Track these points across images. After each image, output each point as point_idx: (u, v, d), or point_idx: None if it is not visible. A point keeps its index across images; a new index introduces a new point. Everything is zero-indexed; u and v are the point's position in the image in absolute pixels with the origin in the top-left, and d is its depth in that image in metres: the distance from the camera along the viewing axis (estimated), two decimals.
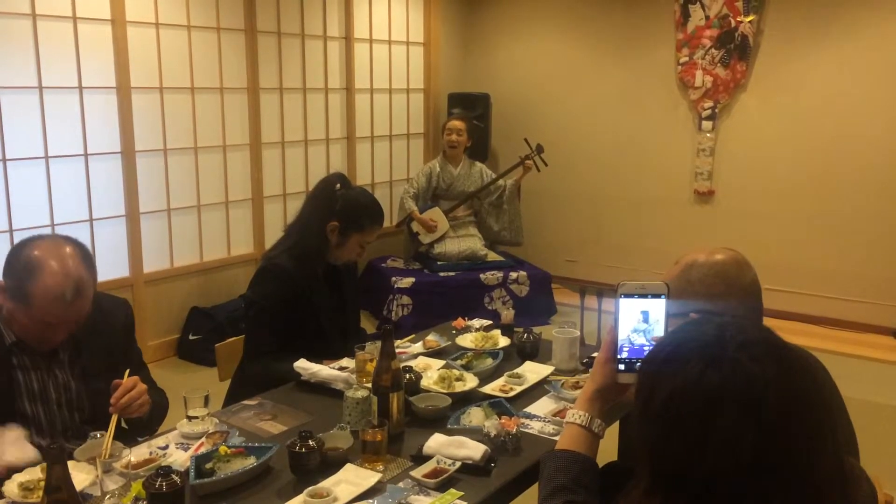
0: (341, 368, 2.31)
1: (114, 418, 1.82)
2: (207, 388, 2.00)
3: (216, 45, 4.80)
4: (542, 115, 6.29)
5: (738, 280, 1.69)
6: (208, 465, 1.70)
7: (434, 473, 1.72)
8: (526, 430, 1.96)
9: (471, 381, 2.22)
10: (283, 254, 2.53)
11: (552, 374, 2.35)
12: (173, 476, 1.53)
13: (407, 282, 5.21)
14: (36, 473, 1.65)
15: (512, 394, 2.19)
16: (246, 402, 2.19)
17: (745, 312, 1.63)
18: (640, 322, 1.41)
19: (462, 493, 1.66)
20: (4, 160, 3.90)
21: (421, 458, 1.80)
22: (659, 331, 1.40)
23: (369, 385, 2.00)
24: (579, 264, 6.29)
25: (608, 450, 1.93)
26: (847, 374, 3.40)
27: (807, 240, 5.32)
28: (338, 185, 2.61)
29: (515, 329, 2.66)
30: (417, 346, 2.59)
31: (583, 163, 6.17)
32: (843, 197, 5.15)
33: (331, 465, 1.75)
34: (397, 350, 2.24)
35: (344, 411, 1.99)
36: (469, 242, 5.48)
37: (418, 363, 2.39)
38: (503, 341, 2.60)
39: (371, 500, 1.63)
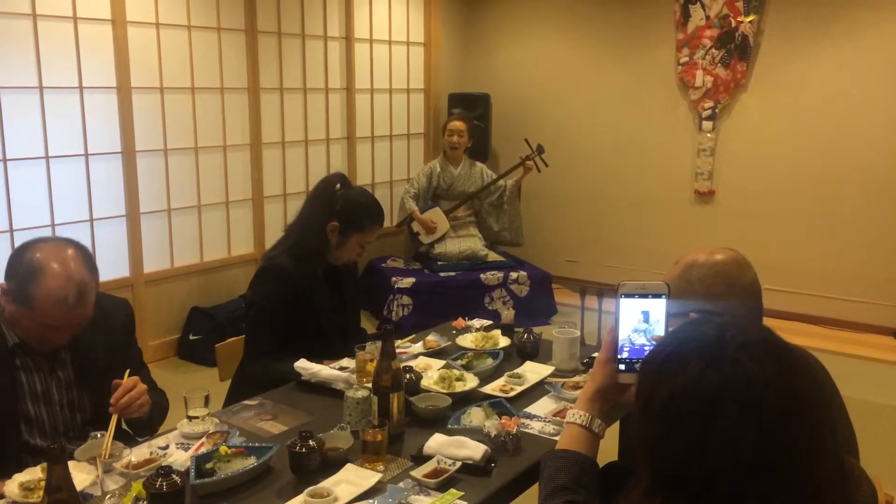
0: (342, 368, 2.31)
1: (113, 418, 1.82)
2: (208, 388, 2.00)
3: (216, 45, 4.80)
4: (542, 115, 6.29)
5: (738, 280, 1.69)
6: (209, 465, 1.71)
7: (434, 473, 1.72)
8: (526, 431, 1.96)
9: (471, 381, 2.22)
10: (284, 254, 2.53)
11: (552, 374, 2.35)
12: (174, 476, 1.53)
13: (407, 282, 5.22)
14: (37, 473, 1.65)
15: (512, 394, 2.19)
16: (246, 402, 2.19)
17: (745, 312, 1.63)
18: (641, 322, 1.41)
19: (462, 494, 1.66)
20: (5, 160, 3.90)
21: (421, 458, 1.80)
22: (659, 331, 1.40)
23: (370, 385, 2.00)
24: (580, 264, 6.29)
25: (608, 450, 1.93)
26: (847, 374, 3.40)
27: (807, 240, 5.32)
28: (338, 185, 2.60)
29: (516, 329, 2.66)
30: (418, 347, 2.59)
31: (583, 163, 6.17)
32: (843, 197, 5.15)
33: (331, 465, 1.75)
34: (397, 350, 2.24)
35: (344, 411, 1.99)
36: (469, 243, 5.48)
37: (419, 363, 2.39)
38: (503, 341, 2.60)
39: (371, 500, 1.63)
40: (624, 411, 2.07)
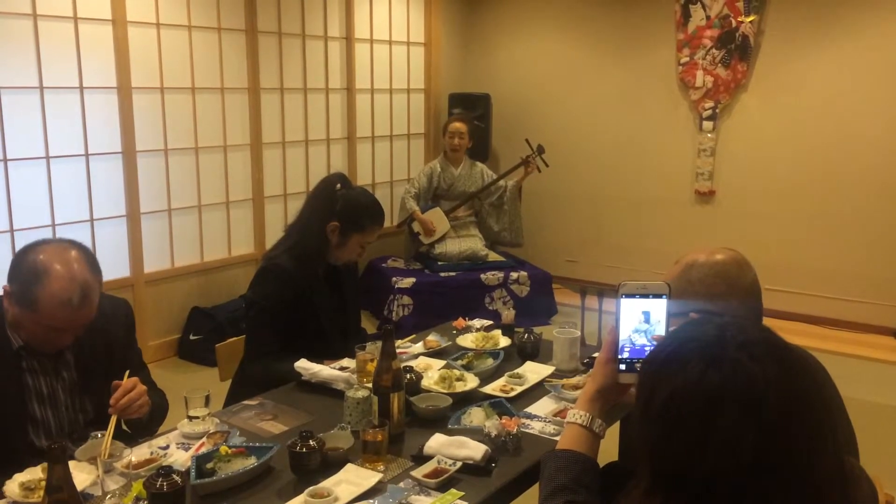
0: (342, 368, 2.31)
1: (113, 419, 1.82)
2: (208, 388, 2.01)
3: (217, 45, 4.80)
4: (542, 115, 6.29)
5: (738, 280, 1.70)
6: (209, 465, 1.71)
7: (435, 473, 1.72)
8: (526, 431, 1.96)
9: (471, 382, 2.22)
10: (284, 254, 2.53)
11: (553, 374, 2.35)
12: (174, 476, 1.53)
13: (407, 282, 5.22)
14: (37, 473, 1.65)
15: (512, 394, 2.19)
16: (247, 402, 2.19)
17: (745, 312, 1.63)
18: (642, 322, 1.41)
19: (463, 494, 1.66)
20: (5, 160, 3.90)
21: (421, 458, 1.80)
22: (660, 331, 1.40)
23: (370, 385, 2.00)
24: (580, 264, 6.29)
25: (609, 450, 1.93)
26: (847, 374, 3.40)
27: (807, 240, 5.32)
28: (338, 186, 2.60)
29: (516, 329, 2.66)
30: (418, 347, 2.59)
31: (583, 163, 6.17)
32: (843, 197, 5.15)
33: (331, 465, 1.75)
34: (398, 350, 2.25)
35: (345, 411, 1.99)
36: (470, 243, 5.48)
37: (419, 363, 2.39)
38: (504, 341, 2.60)
39: (372, 500, 1.63)
40: (624, 411, 2.07)
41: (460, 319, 2.86)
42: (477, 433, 1.90)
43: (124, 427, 1.96)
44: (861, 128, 5.04)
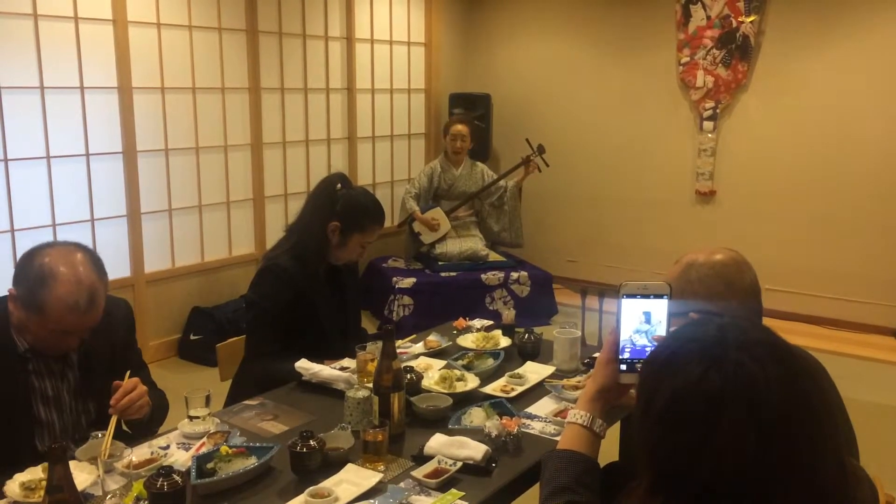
0: (342, 369, 2.31)
1: (113, 419, 1.82)
2: (209, 388, 2.01)
3: (217, 45, 4.80)
4: (543, 115, 6.29)
5: (737, 280, 1.70)
6: (209, 465, 1.71)
7: (435, 473, 1.72)
8: (527, 431, 1.96)
9: (472, 382, 2.22)
10: (284, 254, 2.53)
11: (553, 374, 2.35)
12: (174, 476, 1.53)
13: (408, 282, 5.22)
14: (37, 473, 1.65)
15: (513, 394, 2.19)
16: (247, 402, 2.19)
17: (744, 313, 1.63)
18: (643, 322, 1.41)
19: (463, 494, 1.65)
20: (6, 160, 3.90)
21: (422, 459, 1.80)
22: (661, 331, 1.40)
23: (370, 385, 2.00)
24: (580, 265, 6.29)
25: (609, 450, 1.93)
26: (848, 374, 3.40)
27: (807, 240, 5.32)
28: (338, 185, 2.60)
29: (516, 329, 2.66)
30: (418, 347, 2.59)
31: (584, 163, 6.17)
32: (844, 197, 5.15)
33: (332, 465, 1.75)
34: (398, 350, 2.25)
35: (345, 411, 1.99)
36: (470, 243, 5.48)
37: (419, 363, 2.39)
38: (504, 341, 2.60)
39: (372, 501, 1.63)
40: (625, 412, 2.07)
41: (461, 319, 2.86)
42: (477, 433, 1.90)
43: (124, 427, 1.96)
44: (861, 128, 5.04)
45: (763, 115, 5.39)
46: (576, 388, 2.18)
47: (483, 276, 5.30)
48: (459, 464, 1.75)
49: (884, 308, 5.09)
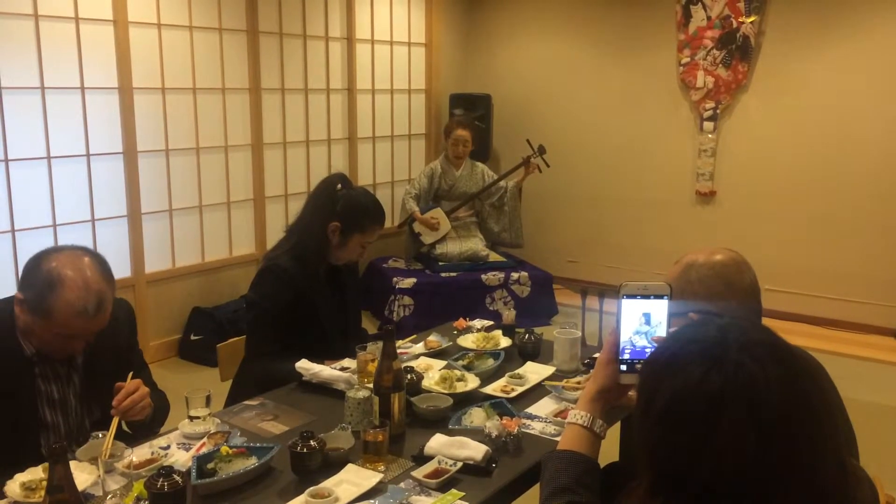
0: (343, 369, 2.32)
1: (115, 420, 1.83)
2: (209, 389, 2.01)
3: (218, 45, 4.80)
4: (543, 115, 6.29)
5: (737, 280, 1.70)
6: (210, 466, 1.71)
7: (435, 474, 1.72)
8: (527, 431, 1.96)
9: (472, 382, 2.22)
10: (285, 254, 2.53)
11: (553, 374, 2.35)
12: (175, 476, 1.54)
13: (408, 282, 5.22)
14: (38, 473, 1.65)
15: (513, 394, 2.19)
16: (247, 402, 2.19)
17: (744, 313, 1.63)
18: (643, 323, 1.41)
19: (463, 494, 1.66)
20: (7, 160, 3.91)
21: (422, 459, 1.80)
22: (661, 331, 1.40)
23: (371, 385, 2.00)
24: (581, 265, 6.29)
25: (609, 450, 1.93)
26: (848, 374, 3.40)
27: (808, 240, 5.32)
28: (339, 186, 2.61)
29: (517, 330, 2.66)
30: (419, 347, 2.59)
31: (584, 163, 6.17)
32: (844, 197, 5.15)
33: (332, 465, 1.75)
34: (399, 350, 2.25)
35: (345, 412, 1.99)
36: (470, 243, 5.48)
37: (420, 363, 2.39)
38: (504, 342, 2.60)
39: (372, 501, 1.63)
40: (625, 412, 2.07)
41: (461, 320, 2.86)
42: (477, 433, 1.90)
43: (125, 427, 1.96)
44: (862, 129, 5.04)
45: (763, 115, 5.39)
46: (576, 388, 2.18)
47: (483, 277, 5.30)
48: (460, 464, 1.75)
49: (884, 308, 5.09)
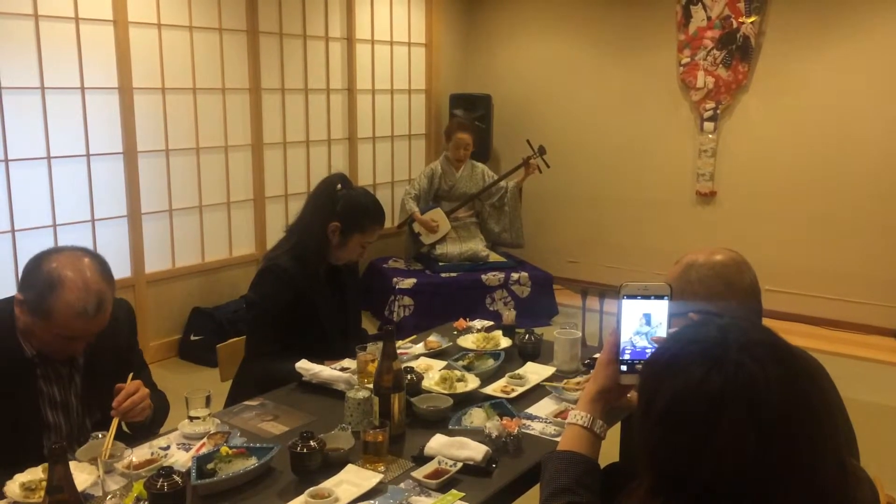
0: (343, 369, 2.32)
1: (115, 420, 1.83)
2: (209, 389, 2.01)
3: (218, 45, 4.80)
4: (543, 116, 6.29)
5: (737, 281, 1.70)
6: (210, 466, 1.71)
7: (435, 474, 1.72)
8: (527, 431, 1.96)
9: (472, 382, 2.22)
10: (285, 254, 2.53)
11: (553, 375, 2.35)
12: (175, 476, 1.54)
13: (408, 282, 5.21)
14: (38, 473, 1.65)
15: (513, 395, 2.19)
16: (247, 402, 2.19)
17: (744, 313, 1.63)
18: (643, 324, 1.41)
19: (463, 494, 1.65)
20: (6, 160, 3.91)
21: (422, 459, 1.80)
22: (662, 332, 1.40)
23: (371, 386, 2.00)
24: (581, 265, 6.29)
25: (610, 451, 1.93)
26: (848, 375, 3.40)
27: (808, 241, 5.32)
28: (339, 186, 2.61)
29: (517, 330, 2.66)
30: (419, 347, 2.59)
31: (584, 164, 6.17)
32: (844, 198, 5.15)
33: (332, 465, 1.75)
34: (399, 351, 2.25)
35: (345, 412, 1.99)
36: (471, 244, 5.48)
37: (420, 364, 2.39)
38: (504, 342, 2.60)
39: (372, 501, 1.63)
40: (626, 413, 2.07)
41: (461, 320, 2.86)
42: (478, 434, 1.90)
43: (125, 428, 1.96)
44: (862, 129, 5.04)
45: (763, 115, 5.39)
46: (576, 388, 2.18)
47: (483, 277, 5.30)
48: (460, 464, 1.75)
49: (884, 309, 5.09)
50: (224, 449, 1.75)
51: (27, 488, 1.62)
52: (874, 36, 4.94)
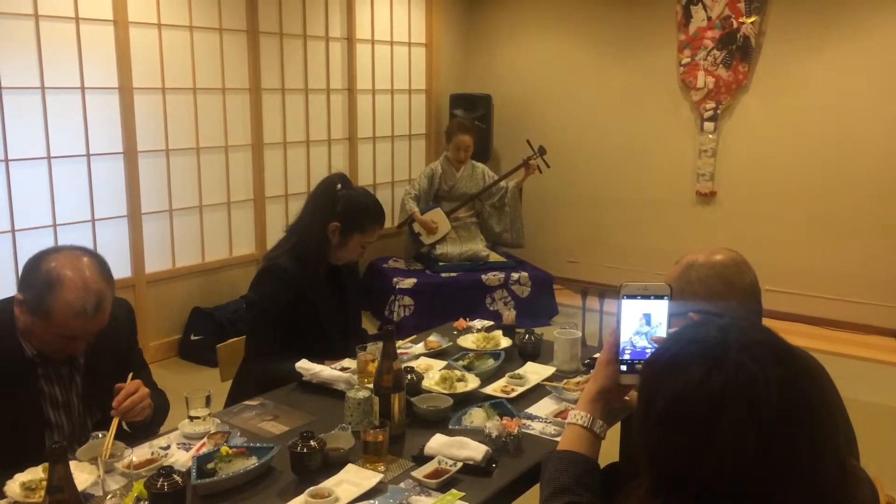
0: (343, 369, 2.32)
1: (115, 420, 1.83)
2: (209, 389, 2.01)
3: (218, 45, 4.80)
4: (543, 116, 6.30)
5: (737, 281, 1.70)
6: (210, 466, 1.71)
7: (435, 474, 1.72)
8: (527, 431, 1.96)
9: (472, 382, 2.22)
10: (285, 254, 2.53)
11: (553, 374, 2.35)
12: (175, 476, 1.54)
13: (408, 282, 5.21)
14: (38, 473, 1.65)
15: (513, 394, 2.19)
16: (247, 402, 2.19)
17: (744, 313, 1.63)
18: (643, 324, 1.41)
19: (463, 494, 1.66)
20: (7, 160, 3.91)
21: (422, 459, 1.80)
22: (662, 332, 1.40)
23: (371, 386, 2.00)
24: (581, 265, 6.29)
25: (610, 451, 1.93)
26: (848, 375, 3.40)
27: (808, 241, 5.32)
28: (339, 186, 2.61)
29: (517, 330, 2.66)
30: (419, 347, 2.59)
31: (585, 164, 6.17)
32: (844, 198, 5.15)
33: (332, 465, 1.75)
34: (399, 351, 2.25)
35: (345, 412, 1.99)
36: (471, 244, 5.48)
37: (420, 364, 2.39)
38: (504, 342, 2.60)
39: (372, 501, 1.63)
40: (626, 413, 2.07)
41: (461, 320, 2.86)
42: (478, 434, 1.90)
43: (125, 427, 1.96)
44: (862, 129, 5.04)
45: (763, 115, 5.39)
46: (576, 388, 2.18)
47: (483, 277, 5.30)
48: (460, 464, 1.75)
49: (884, 308, 5.09)
50: (224, 449, 1.75)
51: (27, 488, 1.62)
52: (874, 36, 4.94)
